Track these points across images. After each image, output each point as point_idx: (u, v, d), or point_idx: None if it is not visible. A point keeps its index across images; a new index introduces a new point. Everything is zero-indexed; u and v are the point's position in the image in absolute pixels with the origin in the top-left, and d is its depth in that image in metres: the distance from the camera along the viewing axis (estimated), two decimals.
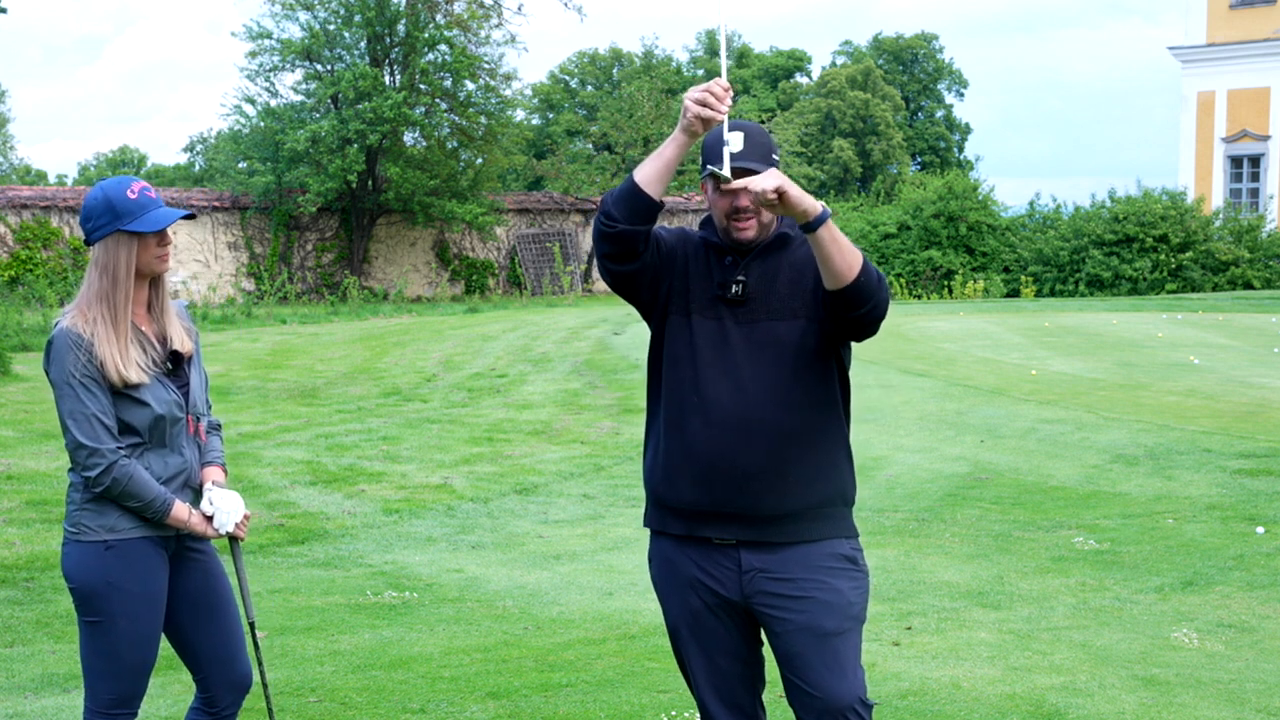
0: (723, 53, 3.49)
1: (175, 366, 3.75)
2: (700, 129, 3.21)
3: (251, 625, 3.91)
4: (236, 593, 3.91)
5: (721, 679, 3.54)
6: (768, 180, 3.14)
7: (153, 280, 3.74)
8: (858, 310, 3.29)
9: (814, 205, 3.16)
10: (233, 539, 3.85)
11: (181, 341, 3.77)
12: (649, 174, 3.27)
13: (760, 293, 3.41)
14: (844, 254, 3.22)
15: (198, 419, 3.80)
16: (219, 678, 3.80)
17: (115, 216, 3.62)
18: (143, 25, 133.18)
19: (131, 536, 3.64)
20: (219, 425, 3.97)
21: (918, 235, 31.51)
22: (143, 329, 3.72)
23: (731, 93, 3.21)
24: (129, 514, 3.64)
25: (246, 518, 3.83)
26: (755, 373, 3.38)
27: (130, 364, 3.61)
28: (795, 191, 3.13)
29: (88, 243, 3.68)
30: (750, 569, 3.43)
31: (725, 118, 3.23)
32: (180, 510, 3.68)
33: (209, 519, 3.75)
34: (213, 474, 3.83)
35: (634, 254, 3.35)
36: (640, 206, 3.28)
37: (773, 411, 3.37)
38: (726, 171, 3.31)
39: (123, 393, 3.61)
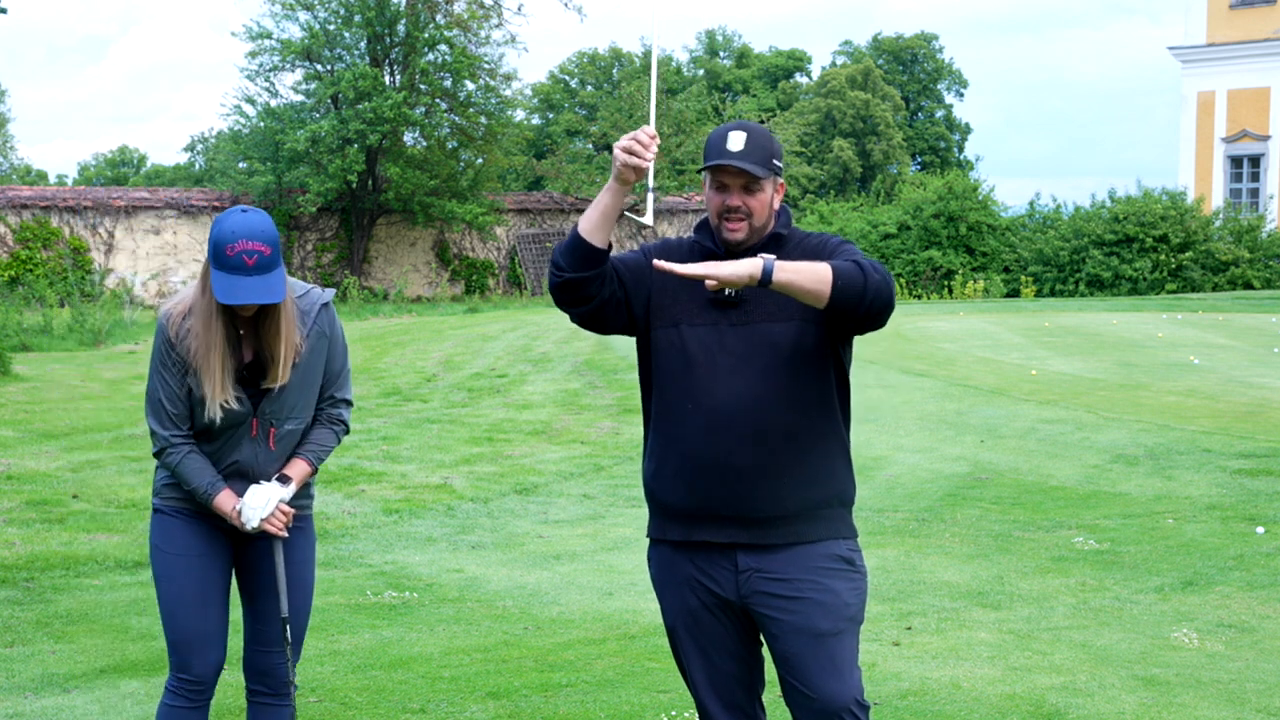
0: (652, 103, 3.54)
1: (254, 374, 3.78)
2: (631, 177, 3.24)
3: (284, 621, 3.93)
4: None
5: (720, 679, 3.54)
6: (694, 270, 3.17)
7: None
8: (853, 314, 3.27)
9: (754, 271, 3.15)
10: (273, 536, 3.88)
11: (279, 372, 3.74)
12: (590, 224, 3.31)
13: (756, 295, 3.39)
14: (809, 284, 3.19)
15: (270, 424, 3.81)
16: (247, 656, 4.00)
17: (212, 255, 3.62)
18: (147, 25, 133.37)
19: (174, 507, 3.87)
20: (338, 419, 4.00)
21: (918, 235, 31.51)
22: (240, 329, 3.74)
23: (658, 140, 3.24)
24: (176, 485, 3.86)
25: (287, 515, 3.85)
26: (751, 374, 3.38)
27: (218, 400, 3.69)
28: (725, 271, 3.15)
29: None
30: (747, 569, 3.43)
31: (650, 165, 3.26)
32: (224, 501, 3.80)
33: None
34: (292, 466, 3.89)
35: (587, 297, 3.38)
36: (584, 254, 3.32)
37: (769, 413, 3.37)
38: (649, 219, 3.38)
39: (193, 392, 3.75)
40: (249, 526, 3.78)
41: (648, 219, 3.37)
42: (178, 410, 3.75)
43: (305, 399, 3.86)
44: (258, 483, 3.83)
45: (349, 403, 4.03)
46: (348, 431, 4.09)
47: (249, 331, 3.76)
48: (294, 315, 3.75)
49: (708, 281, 3.19)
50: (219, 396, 3.69)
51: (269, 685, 3.98)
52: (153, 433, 3.79)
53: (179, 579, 3.84)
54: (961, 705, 5.23)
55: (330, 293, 3.95)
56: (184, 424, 3.77)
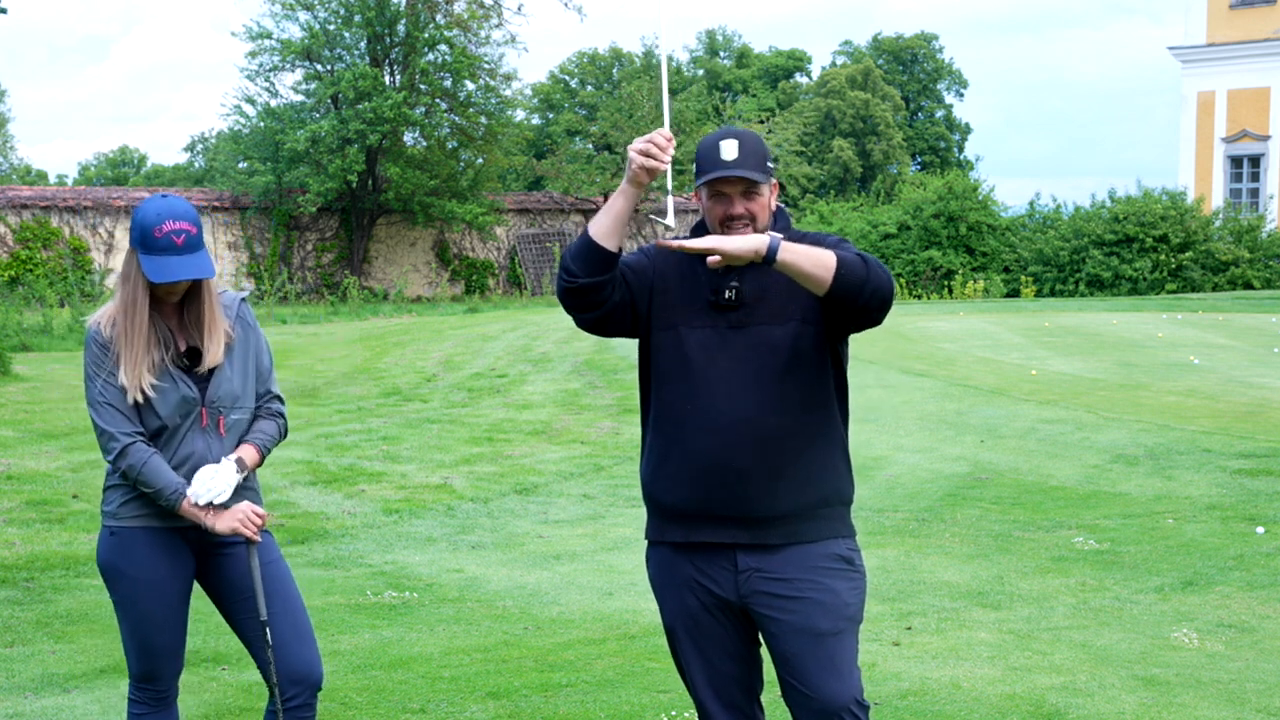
0: (665, 106, 3.54)
1: (193, 361, 3.76)
2: (645, 179, 3.24)
3: (264, 624, 3.89)
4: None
5: (719, 679, 3.54)
6: (701, 243, 3.17)
7: (193, 286, 3.73)
8: (853, 304, 3.27)
9: (759, 246, 3.16)
10: (248, 541, 3.82)
11: (211, 349, 3.75)
12: (603, 228, 3.30)
13: (754, 297, 3.40)
14: (811, 267, 3.19)
15: (219, 412, 3.79)
16: (278, 668, 3.81)
17: (139, 242, 3.65)
18: (148, 25, 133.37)
19: (132, 526, 3.79)
20: (277, 413, 3.96)
21: (918, 235, 31.52)
22: (170, 325, 3.75)
23: (674, 142, 3.25)
24: (134, 503, 3.77)
25: (263, 518, 3.81)
26: (749, 376, 3.38)
27: (140, 386, 3.67)
28: (731, 246, 3.15)
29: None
30: (746, 569, 3.43)
31: (669, 167, 3.27)
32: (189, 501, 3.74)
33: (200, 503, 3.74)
34: (241, 451, 3.83)
35: (598, 302, 3.38)
36: (598, 259, 3.31)
37: (767, 414, 3.37)
38: (670, 220, 3.38)
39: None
40: (199, 502, 3.70)
41: (670, 219, 3.40)
42: (127, 411, 3.71)
43: (246, 388, 3.85)
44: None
45: (281, 398, 4.01)
46: (288, 426, 4.05)
47: (177, 320, 3.77)
48: (219, 296, 3.82)
49: (710, 259, 3.18)
50: (140, 381, 3.66)
51: (300, 686, 3.85)
52: (107, 437, 3.70)
53: (144, 602, 3.79)
54: (961, 705, 5.24)
55: (245, 292, 4.02)
56: (137, 423, 3.72)
